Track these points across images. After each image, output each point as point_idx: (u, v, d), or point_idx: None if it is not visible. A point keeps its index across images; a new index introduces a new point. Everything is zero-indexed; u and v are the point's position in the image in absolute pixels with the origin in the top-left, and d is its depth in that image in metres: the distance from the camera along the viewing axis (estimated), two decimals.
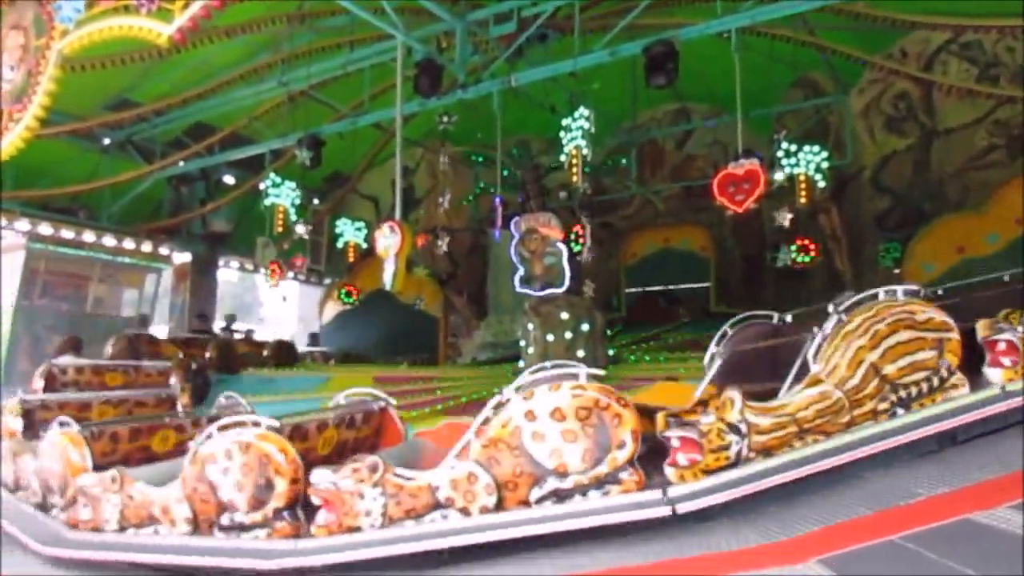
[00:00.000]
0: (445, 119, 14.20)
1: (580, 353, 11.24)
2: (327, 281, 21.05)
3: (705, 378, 5.46)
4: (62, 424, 5.19)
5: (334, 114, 14.28)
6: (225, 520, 4.32)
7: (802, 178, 12.10)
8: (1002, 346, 4.32)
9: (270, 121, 14.61)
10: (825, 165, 12.24)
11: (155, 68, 12.69)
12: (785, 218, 11.50)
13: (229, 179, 17.44)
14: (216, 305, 18.97)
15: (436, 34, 11.77)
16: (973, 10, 10.80)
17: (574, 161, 10.15)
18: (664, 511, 3.78)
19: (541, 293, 11.87)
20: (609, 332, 12.62)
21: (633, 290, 17.76)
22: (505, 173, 14.08)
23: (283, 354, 14.49)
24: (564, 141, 10.26)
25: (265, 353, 14.10)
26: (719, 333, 5.91)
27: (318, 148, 12.84)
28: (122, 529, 4.65)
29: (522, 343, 12.05)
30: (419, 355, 16.86)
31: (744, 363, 5.43)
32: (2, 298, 14.11)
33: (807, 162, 12.10)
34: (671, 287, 17.30)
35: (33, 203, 14.43)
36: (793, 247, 13.24)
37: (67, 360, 7.63)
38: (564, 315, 11.40)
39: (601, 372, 4.21)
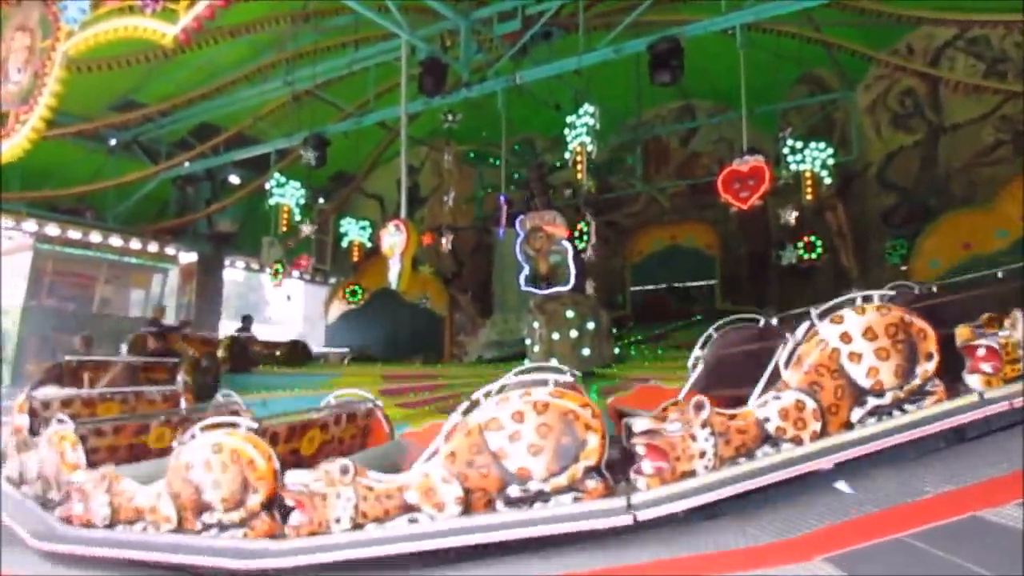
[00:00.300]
0: (450, 118, 14.21)
1: (586, 351, 11.24)
2: (332, 280, 21.09)
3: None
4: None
5: (339, 113, 14.31)
6: (514, 492, 3.91)
7: (808, 175, 12.09)
8: None
9: (275, 121, 14.65)
10: (831, 162, 12.23)
11: (160, 69, 12.73)
12: (790, 216, 11.48)
13: (234, 179, 17.50)
14: (222, 305, 19.03)
15: (440, 33, 11.77)
16: (979, 5, 10.75)
17: (579, 158, 10.13)
18: (995, 408, 4.05)
19: (546, 292, 11.86)
20: (615, 331, 12.62)
21: (638, 288, 17.74)
22: (512, 174, 14.08)
23: (238, 356, 13.00)
24: (568, 138, 10.23)
25: (221, 353, 12.33)
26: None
27: (323, 147, 12.87)
28: (358, 527, 4.06)
29: (528, 341, 12.05)
30: (364, 349, 16.66)
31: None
32: (10, 299, 14.17)
33: (813, 159, 12.09)
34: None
35: (40, 204, 14.49)
36: (800, 244, 13.20)
37: (50, 392, 7.07)
38: (569, 313, 11.40)
39: (892, 292, 4.30)
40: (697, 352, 5.40)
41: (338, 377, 11.77)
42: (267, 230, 15.20)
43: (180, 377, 10.12)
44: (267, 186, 14.30)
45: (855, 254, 14.54)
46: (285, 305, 22.06)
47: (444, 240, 15.08)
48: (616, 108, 14.56)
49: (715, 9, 9.71)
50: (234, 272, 20.54)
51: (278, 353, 14.53)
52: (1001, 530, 2.94)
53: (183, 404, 7.08)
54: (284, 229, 14.58)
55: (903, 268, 13.23)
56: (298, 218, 14.68)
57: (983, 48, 13.01)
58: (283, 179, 14.20)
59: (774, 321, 5.53)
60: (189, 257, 17.63)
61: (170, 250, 16.98)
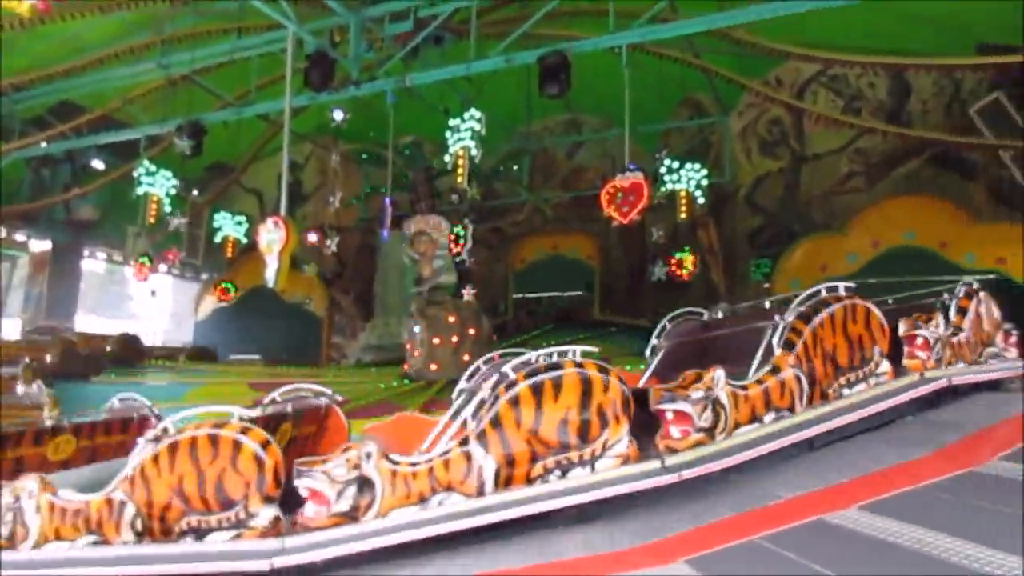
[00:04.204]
0: (339, 117, 13.88)
1: (466, 357, 11.26)
2: (204, 276, 20.09)
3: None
4: None
5: (218, 102, 13.65)
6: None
7: (683, 194, 12.66)
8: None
9: (147, 105, 13.82)
10: (705, 182, 12.86)
11: (16, 39, 11.70)
12: (659, 234, 11.97)
13: (98, 164, 16.34)
14: (78, 297, 17.73)
15: (330, 27, 11.48)
16: (841, 44, 11.58)
17: (460, 162, 10.13)
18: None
19: (429, 296, 11.81)
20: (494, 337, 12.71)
21: (521, 296, 17.96)
22: (399, 176, 13.92)
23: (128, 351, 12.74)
24: (450, 142, 10.23)
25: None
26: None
27: (199, 136, 12.23)
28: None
29: (408, 346, 11.94)
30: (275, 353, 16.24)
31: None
32: None
33: (688, 179, 12.67)
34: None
35: None
36: (673, 259, 13.75)
37: None
38: (451, 319, 11.40)
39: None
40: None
41: (203, 386, 11.19)
42: (133, 220, 14.29)
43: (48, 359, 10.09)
44: (135, 173, 13.45)
45: (724, 271, 15.34)
46: (150, 300, 20.80)
47: (330, 241, 14.67)
48: (506, 117, 14.69)
49: (604, 28, 10.00)
50: (94, 263, 19.21)
51: (180, 358, 14.33)
52: (844, 532, 3.16)
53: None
54: (152, 220, 13.74)
55: (766, 286, 14.07)
56: (168, 209, 13.89)
57: (842, 85, 14.11)
58: (153, 167, 13.40)
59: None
60: (42, 245, 16.32)
61: (20, 236, 15.65)
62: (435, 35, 11.31)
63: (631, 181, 9.77)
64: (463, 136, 10.07)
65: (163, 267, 16.13)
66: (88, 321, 18.43)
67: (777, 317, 4.76)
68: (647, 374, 5.50)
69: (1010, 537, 2.80)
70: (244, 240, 15.61)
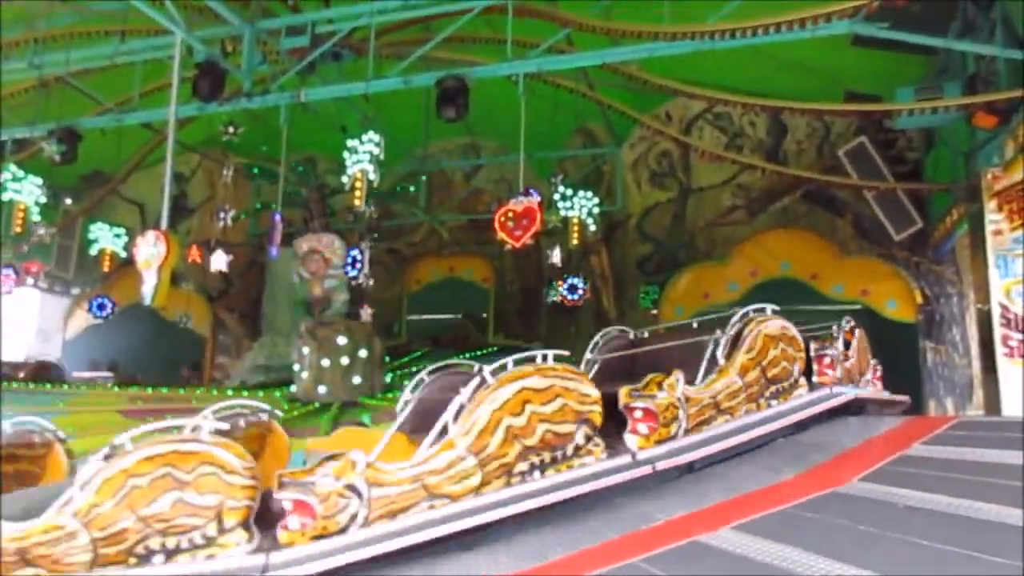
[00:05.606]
0: (231, 130, 13.42)
1: (356, 380, 11.05)
2: (75, 291, 18.83)
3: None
4: None
5: (97, 107, 12.91)
6: None
7: (575, 221, 12.99)
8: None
9: (15, 106, 12.90)
10: (597, 210, 13.25)
11: None
12: (556, 256, 12.22)
13: None
14: None
15: (222, 37, 11.11)
16: (728, 83, 12.24)
17: (358, 184, 10.04)
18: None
19: (319, 316, 11.55)
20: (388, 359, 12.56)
21: (415, 317, 17.85)
22: (291, 193, 13.56)
23: None
24: (348, 162, 10.13)
25: None
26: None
27: (73, 142, 11.56)
28: None
29: (296, 367, 11.61)
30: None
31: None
32: None
33: (581, 206, 13.02)
34: None
35: None
36: (565, 286, 14.05)
37: None
38: (342, 340, 11.17)
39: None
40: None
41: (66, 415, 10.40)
42: None
43: None
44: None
45: (614, 296, 15.78)
46: (14, 316, 19.30)
47: (214, 258, 14.06)
48: (404, 137, 14.64)
49: (502, 55, 10.18)
50: None
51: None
52: (714, 551, 3.29)
53: None
54: (18, 230, 12.80)
55: (654, 312, 14.58)
56: (37, 218, 12.99)
57: (726, 123, 14.94)
58: (21, 172, 12.53)
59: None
60: None
61: None
62: (333, 51, 11.15)
63: (525, 206, 9.94)
64: (361, 158, 9.98)
65: (29, 280, 15.01)
66: None
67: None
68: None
69: (864, 553, 3.00)
70: (123, 254, 14.82)
